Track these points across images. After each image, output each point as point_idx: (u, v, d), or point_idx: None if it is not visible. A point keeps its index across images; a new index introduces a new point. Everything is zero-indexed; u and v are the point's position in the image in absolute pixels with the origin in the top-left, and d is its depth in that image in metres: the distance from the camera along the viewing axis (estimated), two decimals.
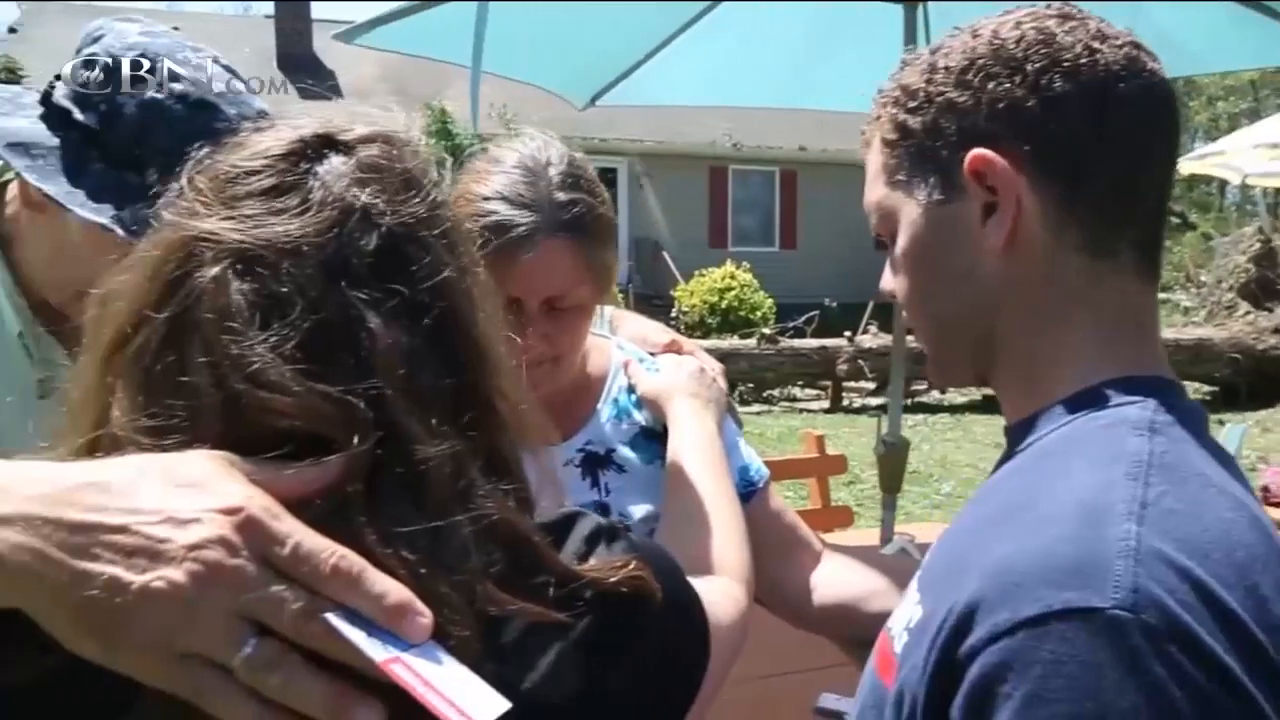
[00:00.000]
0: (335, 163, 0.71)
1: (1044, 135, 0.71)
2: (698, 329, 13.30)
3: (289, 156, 0.71)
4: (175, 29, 1.09)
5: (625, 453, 1.31)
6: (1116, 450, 0.63)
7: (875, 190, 0.83)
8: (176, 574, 0.52)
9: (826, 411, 10.40)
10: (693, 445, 1.22)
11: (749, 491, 1.33)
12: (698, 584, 0.93)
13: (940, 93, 0.75)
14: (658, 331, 1.45)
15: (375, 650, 0.54)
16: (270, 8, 19.68)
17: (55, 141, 1.00)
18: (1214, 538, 0.57)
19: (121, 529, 0.54)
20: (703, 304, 14.01)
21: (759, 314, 13.79)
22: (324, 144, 0.73)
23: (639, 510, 1.27)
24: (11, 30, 16.99)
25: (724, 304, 13.96)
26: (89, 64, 1.01)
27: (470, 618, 0.60)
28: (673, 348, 1.41)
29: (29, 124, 1.01)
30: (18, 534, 0.53)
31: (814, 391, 11.23)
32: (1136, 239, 0.73)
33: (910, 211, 0.79)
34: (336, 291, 0.65)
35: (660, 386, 1.31)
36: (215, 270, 0.65)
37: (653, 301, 14.77)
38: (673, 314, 13.96)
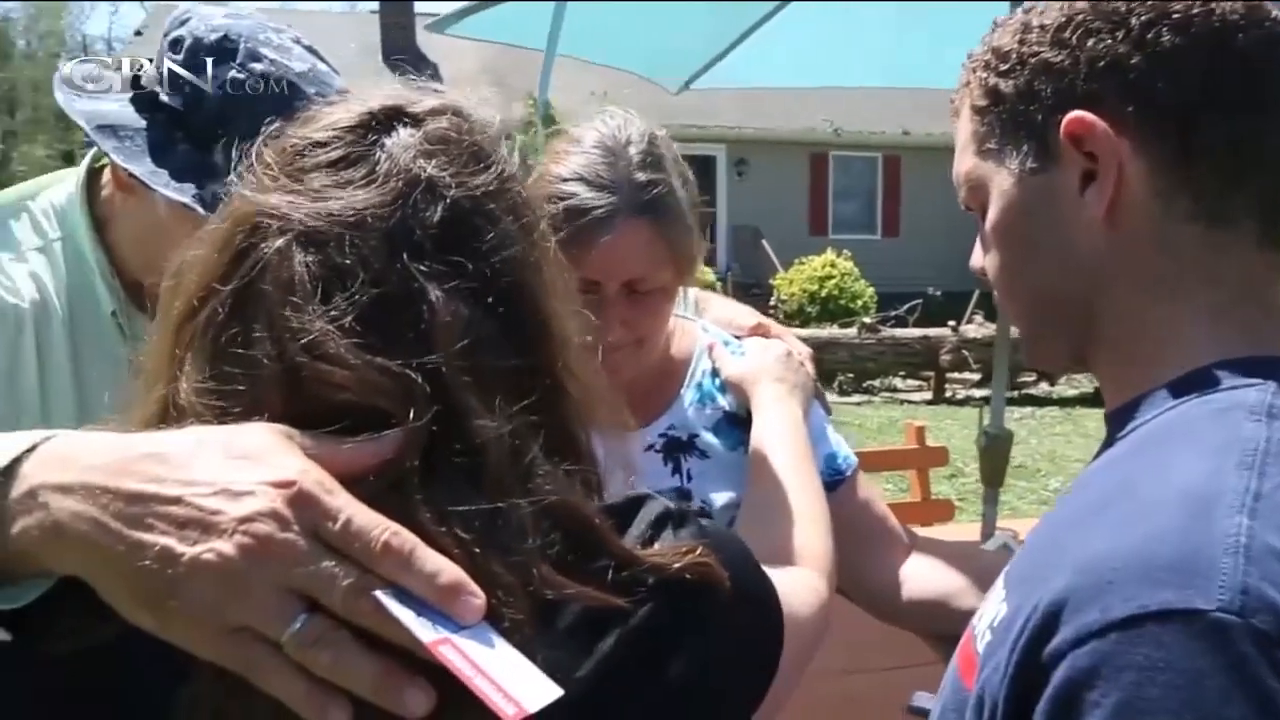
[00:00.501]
0: (403, 135, 0.71)
1: (1150, 95, 0.65)
2: (797, 318, 13.15)
3: (357, 129, 0.71)
4: (286, 26, 1.10)
5: (708, 438, 1.28)
6: (1230, 436, 0.57)
7: (964, 160, 0.78)
8: (227, 546, 0.52)
9: (929, 403, 10.14)
10: (777, 431, 1.19)
11: (836, 480, 1.29)
12: (775, 574, 0.90)
13: (1035, 53, 0.70)
14: (745, 314, 1.41)
15: (424, 631, 0.53)
16: (375, 5, 20.15)
17: (143, 123, 1.02)
18: None
19: (176, 500, 0.53)
20: (802, 292, 13.83)
21: (859, 303, 13.55)
22: (392, 116, 0.72)
23: (721, 497, 1.24)
24: (137, 33, 17.81)
25: (824, 293, 13.75)
26: (175, 46, 1.03)
27: (525, 600, 0.58)
28: (759, 331, 1.37)
29: (119, 107, 1.04)
30: (77, 502, 0.53)
31: (916, 382, 10.97)
32: (1258, 207, 0.66)
33: (1002, 182, 0.74)
34: (399, 264, 0.65)
35: (745, 370, 1.27)
36: (280, 243, 0.65)
37: (751, 290, 14.64)
38: (771, 302, 13.82)
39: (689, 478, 1.27)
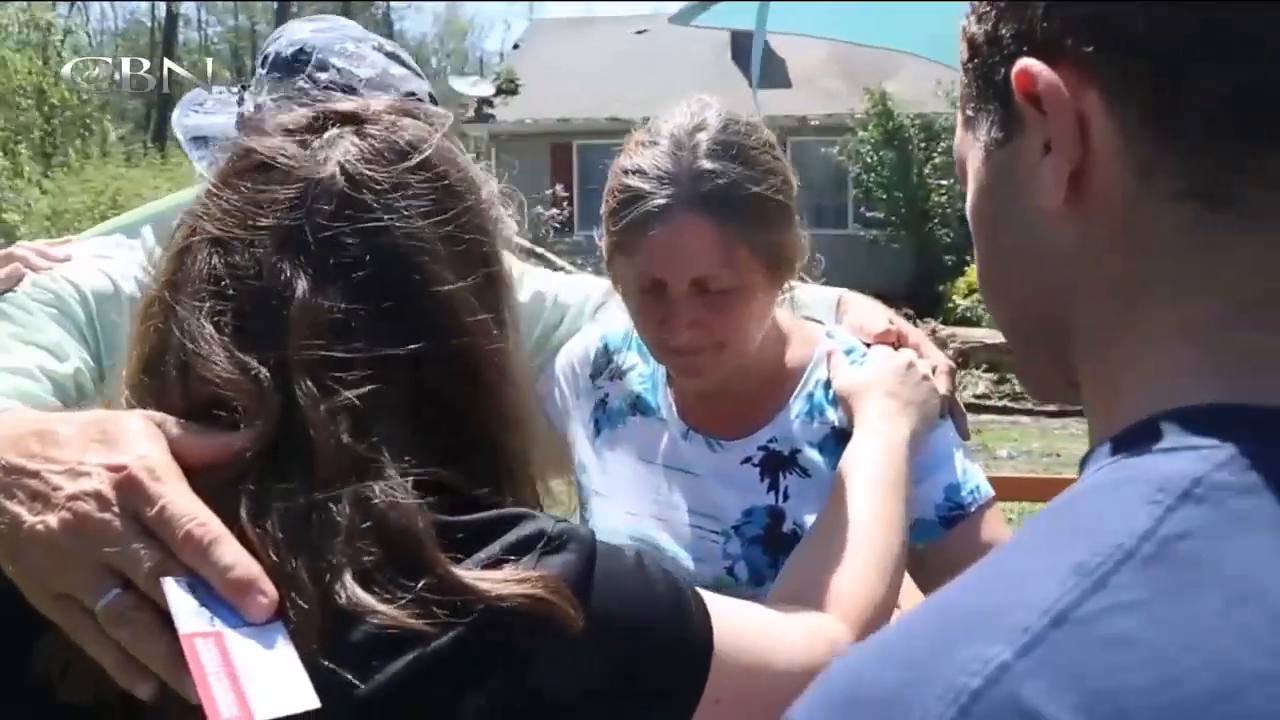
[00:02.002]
0: (330, 135, 0.71)
1: (1122, 31, 0.48)
2: None
3: (294, 133, 0.73)
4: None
5: (812, 455, 1.16)
6: (1097, 525, 0.41)
7: (957, 134, 0.63)
8: (53, 520, 0.57)
9: None
10: (865, 453, 1.05)
11: (954, 515, 1.11)
12: (778, 617, 0.80)
13: None
14: (879, 318, 1.26)
15: (189, 621, 0.54)
16: None
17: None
18: (1166, 693, 0.35)
19: (35, 474, 0.59)
20: None
21: None
22: (332, 119, 0.73)
23: None
24: (515, 46, 19.59)
25: None
26: (264, 62, 1.10)
27: (318, 607, 0.57)
28: (887, 338, 1.21)
29: (225, 120, 1.13)
30: None
31: None
32: (1276, 180, 0.47)
33: (974, 159, 0.58)
34: (280, 259, 0.66)
35: (855, 382, 1.14)
36: (201, 244, 0.69)
37: None
38: None
39: (785, 496, 1.16)
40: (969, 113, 0.58)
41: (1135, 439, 0.47)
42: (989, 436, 7.57)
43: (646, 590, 0.67)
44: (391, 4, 43.60)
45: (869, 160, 14.42)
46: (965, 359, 9.32)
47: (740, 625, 0.74)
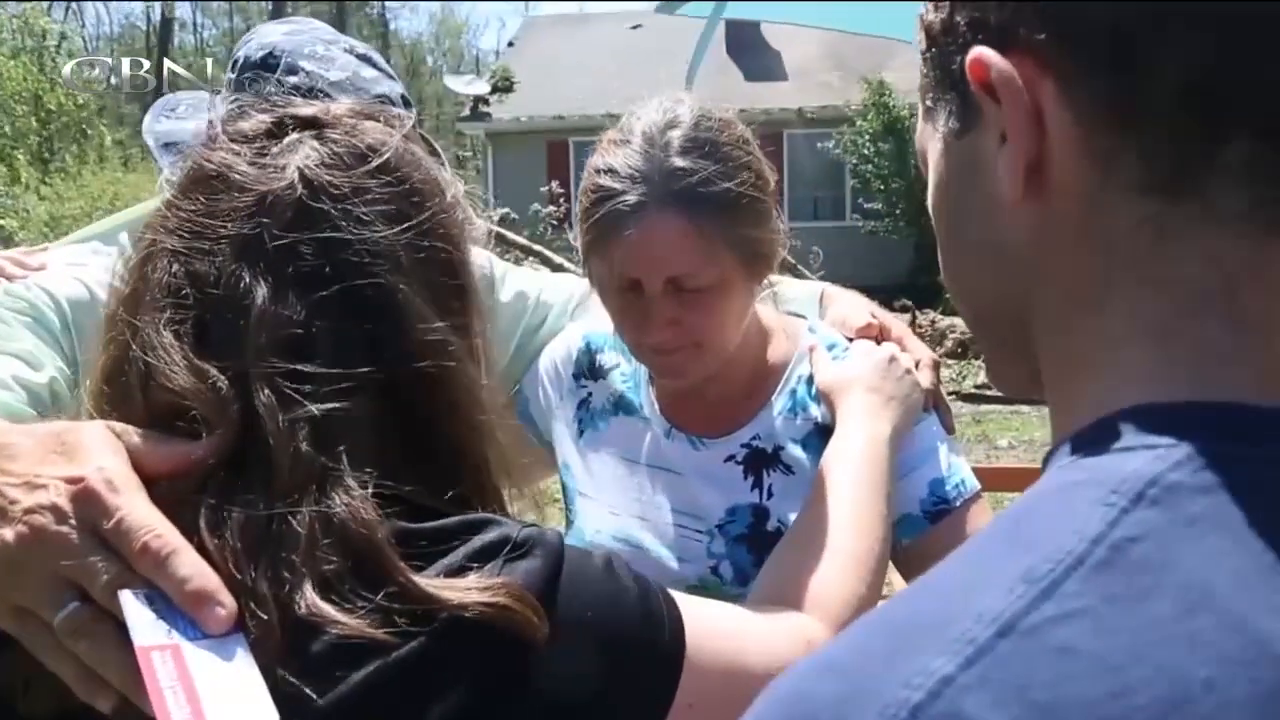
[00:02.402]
0: (289, 140, 0.71)
1: (1075, 17, 0.46)
2: None
3: (253, 140, 0.72)
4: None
5: (795, 451, 1.15)
6: (1047, 528, 0.40)
7: (918, 125, 0.62)
8: (9, 533, 0.57)
9: None
10: (846, 450, 1.04)
11: (940, 510, 1.10)
12: (754, 618, 0.80)
13: None
14: (860, 311, 1.25)
15: (145, 634, 0.54)
16: None
17: None
18: (1114, 705, 0.33)
19: None
20: None
21: None
22: (292, 124, 0.72)
23: None
24: (510, 44, 19.57)
25: None
26: (234, 65, 1.09)
27: (277, 618, 0.57)
28: (869, 332, 1.20)
29: (196, 125, 1.11)
30: None
31: None
32: (1245, 168, 0.44)
33: (934, 150, 0.57)
34: (239, 266, 0.65)
35: (837, 377, 1.13)
36: (162, 251, 0.69)
37: None
38: None
39: (769, 494, 1.15)
40: (928, 103, 0.57)
41: (1093, 438, 0.46)
42: (990, 426, 7.56)
43: (615, 595, 0.66)
44: (387, 4, 43.60)
45: (866, 152, 14.39)
46: (964, 349, 9.30)
47: (714, 628, 0.73)
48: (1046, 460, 0.49)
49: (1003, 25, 0.49)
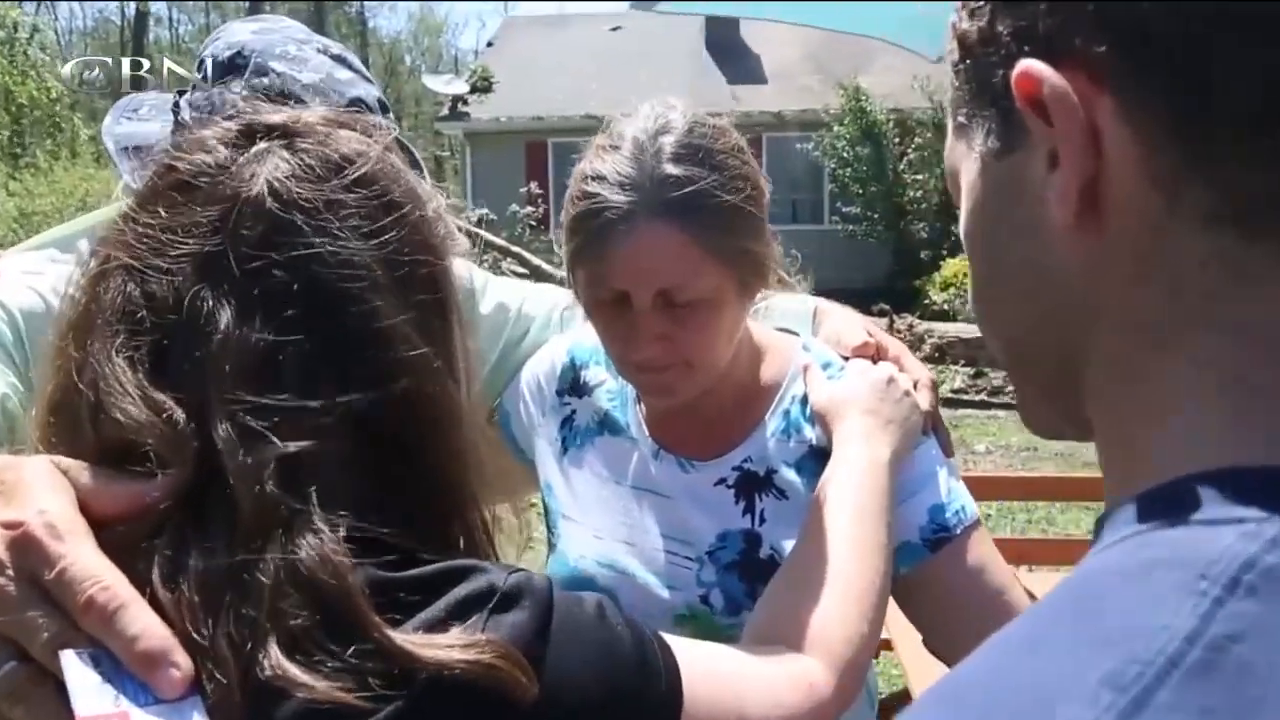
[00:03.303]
0: (257, 150, 0.65)
1: (1134, 21, 0.42)
2: None
3: (218, 149, 0.66)
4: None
5: (789, 475, 1.10)
6: (1134, 624, 0.35)
7: (948, 142, 0.57)
8: None
9: None
10: (844, 475, 0.99)
11: (940, 538, 1.06)
12: (753, 662, 0.75)
13: None
14: (857, 329, 1.20)
15: (90, 702, 0.48)
16: None
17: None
18: None
19: None
20: None
21: None
22: (261, 132, 0.67)
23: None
24: (489, 44, 19.46)
25: None
26: (200, 66, 1.03)
27: (238, 680, 0.51)
28: (865, 351, 1.15)
29: (159, 127, 1.05)
30: None
31: None
32: None
33: (969, 170, 0.52)
34: (201, 288, 0.60)
35: (833, 398, 1.08)
36: (112, 270, 0.63)
37: None
38: None
39: (762, 519, 1.10)
40: (961, 119, 0.52)
41: (1165, 505, 0.40)
42: (966, 431, 7.56)
43: (608, 645, 0.61)
44: (365, 2, 43.32)
45: (844, 155, 14.42)
46: (942, 354, 9.31)
47: (712, 675, 0.68)
48: (1100, 522, 0.44)
49: (1054, 34, 0.44)
